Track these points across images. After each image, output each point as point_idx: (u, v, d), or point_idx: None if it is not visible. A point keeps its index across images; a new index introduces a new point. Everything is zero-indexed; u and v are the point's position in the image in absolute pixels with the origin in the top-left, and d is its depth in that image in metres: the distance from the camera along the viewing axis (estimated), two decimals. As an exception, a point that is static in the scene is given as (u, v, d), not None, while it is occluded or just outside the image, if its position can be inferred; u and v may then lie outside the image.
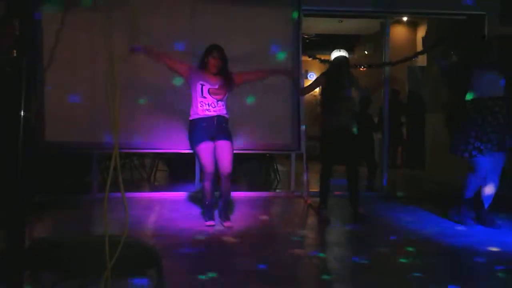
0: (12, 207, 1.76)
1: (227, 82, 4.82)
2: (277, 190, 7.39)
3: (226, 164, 4.72)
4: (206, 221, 4.84)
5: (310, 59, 7.45)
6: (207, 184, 4.80)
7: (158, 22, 6.04)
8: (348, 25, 9.99)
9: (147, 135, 6.06)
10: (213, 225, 4.76)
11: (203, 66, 4.82)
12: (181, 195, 6.40)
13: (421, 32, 10.21)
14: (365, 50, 11.20)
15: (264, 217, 5.33)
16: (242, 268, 3.51)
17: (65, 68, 5.94)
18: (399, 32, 10.21)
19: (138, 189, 7.02)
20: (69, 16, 5.84)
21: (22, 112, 1.66)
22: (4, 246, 1.69)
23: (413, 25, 10.40)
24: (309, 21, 7.36)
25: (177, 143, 6.09)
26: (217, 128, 4.73)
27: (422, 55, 8.75)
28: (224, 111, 4.82)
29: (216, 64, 4.76)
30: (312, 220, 5.27)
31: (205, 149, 4.69)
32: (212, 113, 4.72)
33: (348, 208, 5.34)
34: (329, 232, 4.86)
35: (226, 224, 4.79)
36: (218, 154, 4.74)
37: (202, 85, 4.71)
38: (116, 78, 1.60)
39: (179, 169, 7.71)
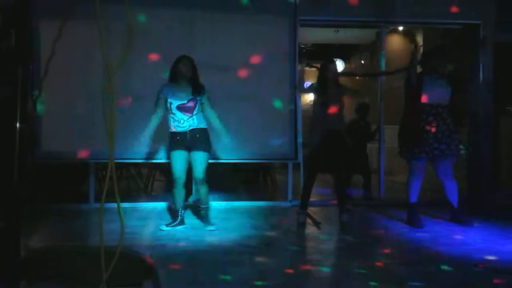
0: (8, 216, 1.76)
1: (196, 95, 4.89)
2: (274, 200, 7.37)
3: (197, 171, 4.94)
4: (176, 225, 5.06)
5: (307, 68, 7.48)
6: (177, 191, 5.02)
7: (156, 31, 6.06)
8: (344, 35, 10.03)
9: (143, 145, 6.06)
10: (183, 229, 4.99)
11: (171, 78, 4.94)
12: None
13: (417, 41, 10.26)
14: (361, 60, 11.26)
15: (262, 226, 5.32)
16: (240, 278, 3.49)
17: (62, 78, 5.95)
18: (395, 41, 10.26)
19: (135, 199, 7.00)
20: (66, 27, 5.86)
21: (18, 124, 1.67)
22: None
23: (409, 34, 10.45)
24: (305, 30, 7.40)
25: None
26: (191, 138, 4.89)
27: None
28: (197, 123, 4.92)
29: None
30: (310, 229, 5.25)
31: (175, 157, 4.90)
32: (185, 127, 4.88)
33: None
34: (326, 241, 4.85)
35: (209, 228, 5.00)
36: (192, 163, 4.96)
37: (170, 103, 4.84)
38: (112, 88, 1.60)
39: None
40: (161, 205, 6.42)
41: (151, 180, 7.88)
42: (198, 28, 6.22)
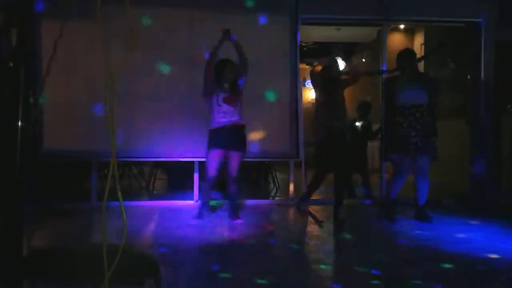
0: (11, 216, 1.76)
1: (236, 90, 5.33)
2: (276, 198, 7.38)
3: (233, 169, 5.34)
4: (194, 217, 5.31)
5: (308, 67, 7.47)
6: (206, 186, 5.33)
7: (158, 31, 6.07)
8: (346, 33, 10.02)
9: (145, 143, 6.07)
10: (199, 223, 5.20)
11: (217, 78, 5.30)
12: (179, 203, 6.39)
13: (418, 39, 10.25)
14: (362, 58, 11.24)
15: (263, 225, 5.32)
16: (241, 276, 3.49)
17: (64, 77, 5.96)
18: (396, 40, 10.24)
19: (137, 197, 7.00)
20: (68, 25, 5.86)
21: (19, 122, 1.67)
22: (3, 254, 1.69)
23: (410, 32, 10.44)
24: (307, 29, 7.39)
25: (175, 151, 6.11)
26: (230, 137, 5.20)
27: (420, 62, 8.79)
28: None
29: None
30: (311, 228, 5.25)
31: (213, 155, 5.22)
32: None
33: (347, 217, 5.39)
34: (328, 240, 4.85)
35: (237, 221, 5.31)
36: (228, 160, 5.31)
37: (217, 96, 5.21)
38: (114, 86, 1.60)
39: (178, 178, 7.71)
40: (163, 203, 6.42)
41: (153, 178, 7.88)
42: (199, 28, 6.21)
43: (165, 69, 6.03)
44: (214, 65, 5.30)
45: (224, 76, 5.25)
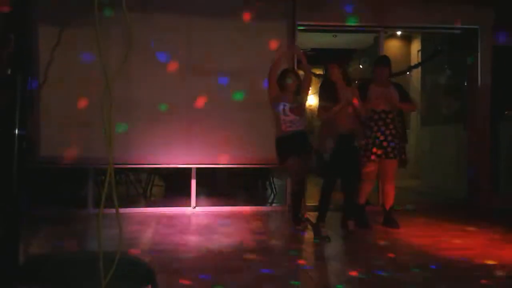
0: (7, 223, 1.75)
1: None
2: (274, 204, 7.37)
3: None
4: (294, 227, 5.40)
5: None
6: (297, 191, 5.42)
7: (155, 38, 6.08)
8: (343, 40, 10.05)
9: (142, 150, 6.06)
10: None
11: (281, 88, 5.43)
12: (177, 210, 6.38)
13: (415, 45, 10.29)
14: (359, 64, 11.27)
15: (261, 231, 5.31)
16: (239, 283, 3.48)
17: (61, 83, 5.95)
18: (393, 46, 10.28)
19: (134, 204, 6.99)
20: (65, 31, 5.87)
21: (16, 130, 1.66)
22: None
23: (407, 38, 10.48)
24: (304, 35, 7.40)
25: (173, 158, 6.10)
26: (297, 143, 5.29)
27: (416, 69, 8.84)
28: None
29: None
30: (309, 234, 5.24)
31: (289, 163, 5.32)
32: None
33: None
34: (325, 246, 4.83)
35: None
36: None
37: (284, 105, 5.30)
38: (110, 93, 1.60)
39: (175, 184, 7.70)
40: (160, 210, 6.40)
41: (150, 185, 7.87)
42: (196, 34, 6.22)
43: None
44: (278, 75, 5.40)
45: (287, 86, 5.36)
